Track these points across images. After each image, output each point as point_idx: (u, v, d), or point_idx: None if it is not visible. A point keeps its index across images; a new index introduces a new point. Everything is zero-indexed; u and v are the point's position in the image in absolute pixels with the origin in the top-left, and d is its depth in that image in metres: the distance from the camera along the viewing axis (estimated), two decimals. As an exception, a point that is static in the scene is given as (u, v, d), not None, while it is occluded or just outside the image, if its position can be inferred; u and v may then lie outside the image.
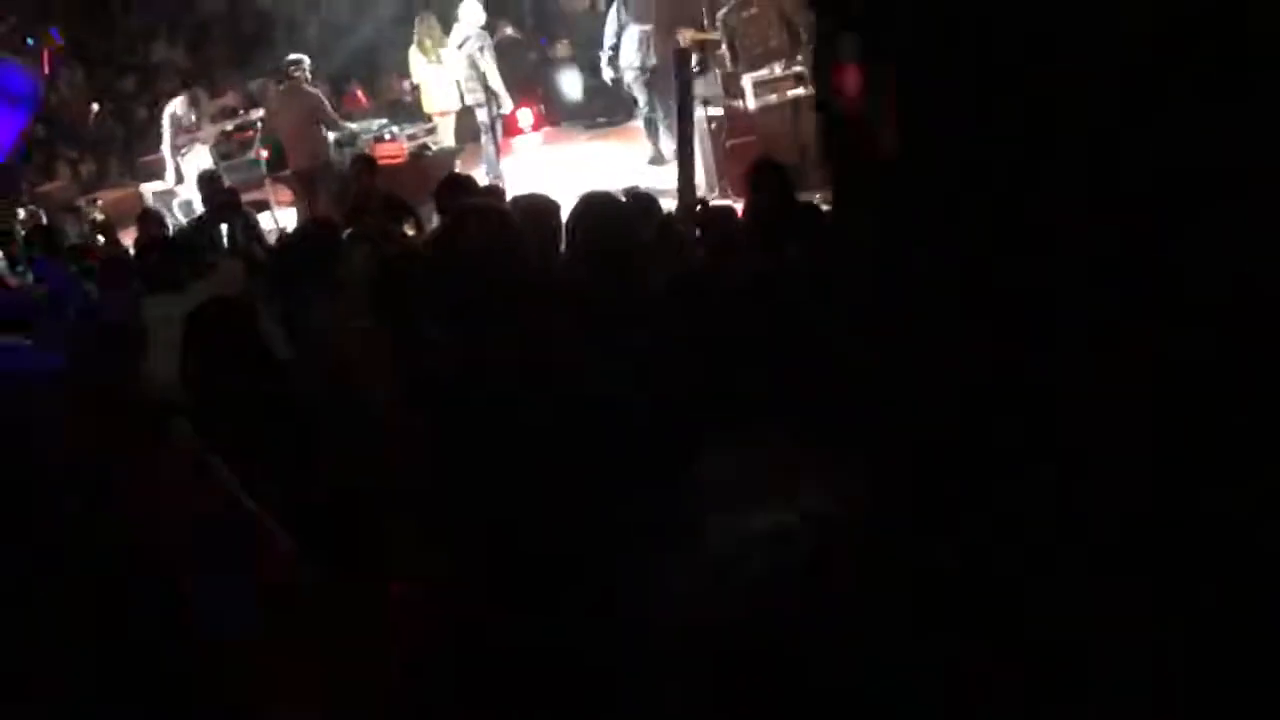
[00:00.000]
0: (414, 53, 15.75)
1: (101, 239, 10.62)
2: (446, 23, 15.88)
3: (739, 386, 3.38)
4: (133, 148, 17.43)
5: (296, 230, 7.71)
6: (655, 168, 13.99)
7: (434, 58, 15.34)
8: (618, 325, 3.89)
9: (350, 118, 16.45)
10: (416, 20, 16.36)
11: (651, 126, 14.58)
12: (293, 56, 14.48)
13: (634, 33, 14.14)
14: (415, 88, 16.23)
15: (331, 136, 13.76)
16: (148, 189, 15.21)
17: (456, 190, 6.26)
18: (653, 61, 14.15)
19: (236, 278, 5.60)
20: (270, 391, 3.64)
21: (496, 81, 14.48)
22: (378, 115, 16.76)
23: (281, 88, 14.20)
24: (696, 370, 3.75)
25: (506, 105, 14.90)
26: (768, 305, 3.07)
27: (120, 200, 14.51)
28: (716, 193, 12.14)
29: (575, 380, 2.84)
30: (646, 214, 5.64)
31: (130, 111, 18.27)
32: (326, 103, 13.89)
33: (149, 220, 10.31)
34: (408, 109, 17.19)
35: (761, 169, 6.58)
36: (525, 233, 2.95)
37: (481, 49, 14.46)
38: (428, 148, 14.08)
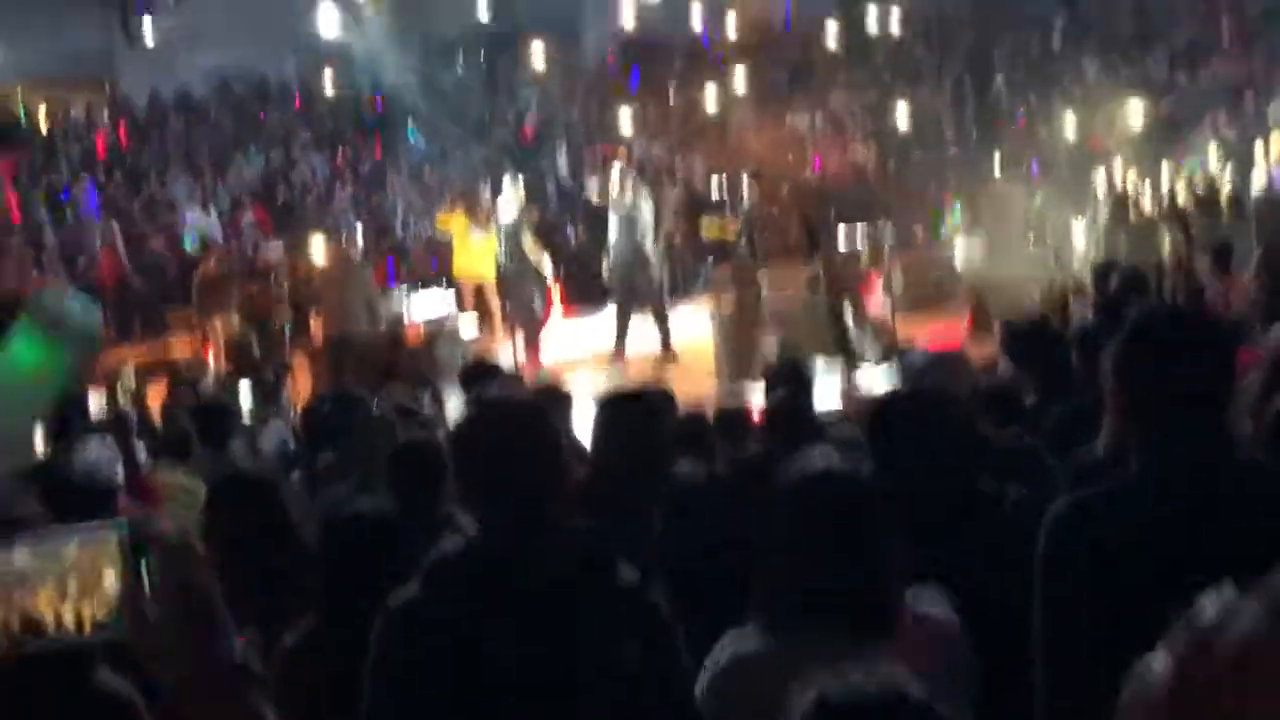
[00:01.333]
0: (458, 220, 16.44)
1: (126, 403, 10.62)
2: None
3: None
4: (160, 304, 17.81)
5: (325, 399, 7.87)
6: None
7: (487, 230, 16.07)
8: (644, 518, 4.02)
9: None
10: (465, 192, 17.16)
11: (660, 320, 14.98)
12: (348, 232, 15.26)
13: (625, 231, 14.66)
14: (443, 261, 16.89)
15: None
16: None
17: (481, 375, 6.46)
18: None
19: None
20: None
21: (540, 255, 15.12)
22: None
23: (331, 256, 14.65)
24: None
25: (549, 272, 15.68)
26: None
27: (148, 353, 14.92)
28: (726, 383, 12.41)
29: (609, 577, 2.95)
30: (667, 412, 5.81)
31: (161, 269, 18.64)
32: (374, 280, 14.37)
33: (179, 382, 10.35)
34: (429, 283, 17.66)
35: (779, 370, 6.80)
36: (558, 428, 3.07)
37: (524, 228, 15.26)
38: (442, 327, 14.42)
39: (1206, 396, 2.82)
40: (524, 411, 3.04)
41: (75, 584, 1.52)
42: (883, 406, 4.28)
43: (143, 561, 1.50)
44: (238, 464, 6.37)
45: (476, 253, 16.20)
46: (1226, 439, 2.87)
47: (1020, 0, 24.32)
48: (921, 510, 3.94)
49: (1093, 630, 2.73)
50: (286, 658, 3.77)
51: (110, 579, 1.52)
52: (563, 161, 22.86)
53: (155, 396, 10.80)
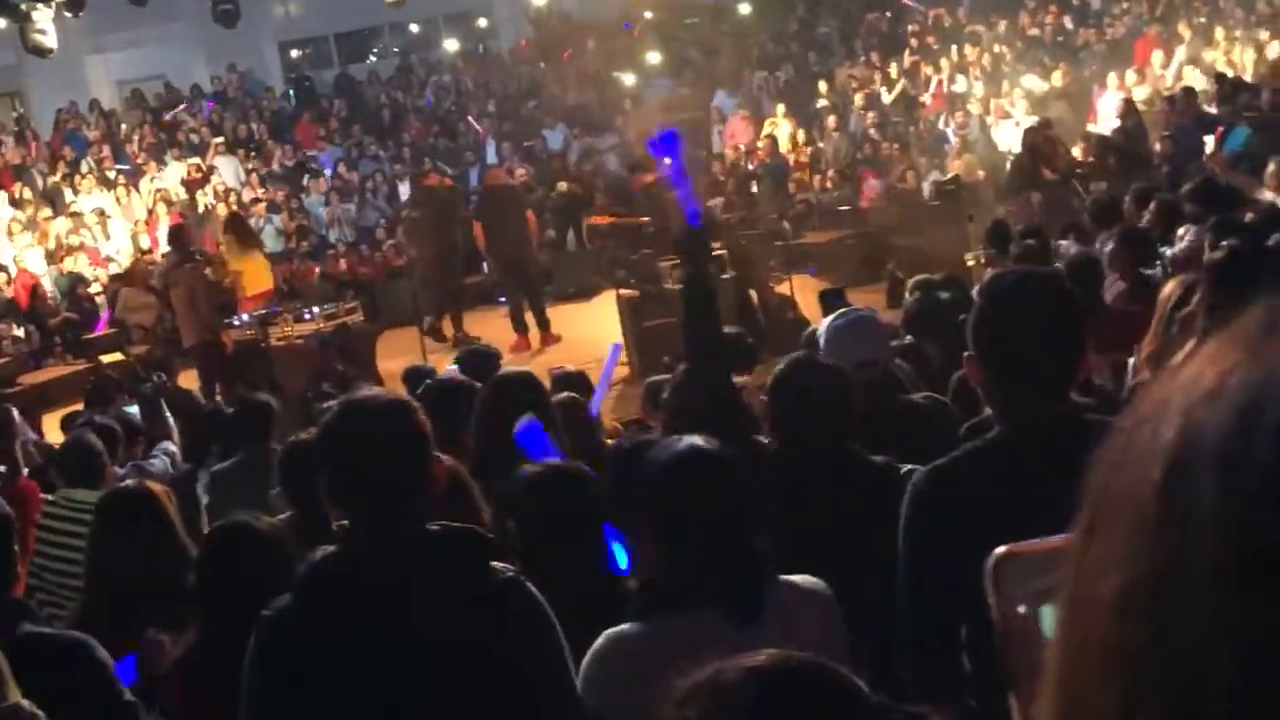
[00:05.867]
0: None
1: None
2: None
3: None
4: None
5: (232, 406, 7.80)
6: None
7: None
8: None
9: (298, 293, 16.89)
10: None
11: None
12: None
13: None
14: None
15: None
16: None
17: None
18: None
19: None
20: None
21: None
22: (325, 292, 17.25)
23: (173, 261, 14.47)
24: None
25: None
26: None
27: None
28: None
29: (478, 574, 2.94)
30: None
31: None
32: (205, 278, 14.21)
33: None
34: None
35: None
36: (423, 425, 3.02)
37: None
38: (347, 326, 14.31)
39: (1053, 355, 2.83)
40: (386, 411, 3.00)
41: None
42: (775, 377, 4.31)
43: None
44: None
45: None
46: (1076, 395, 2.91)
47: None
48: (805, 479, 3.98)
49: (945, 593, 2.76)
50: (171, 671, 3.75)
51: None
52: (491, 152, 22.76)
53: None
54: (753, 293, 12.86)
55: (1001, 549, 2.07)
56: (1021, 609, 1.98)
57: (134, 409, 9.12)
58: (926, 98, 20.97)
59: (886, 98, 21.24)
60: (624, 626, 3.04)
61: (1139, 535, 0.64)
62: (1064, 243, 8.99)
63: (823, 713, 1.44)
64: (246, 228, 16.48)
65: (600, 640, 3.04)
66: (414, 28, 28.12)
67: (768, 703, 1.40)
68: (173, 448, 7.70)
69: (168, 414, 8.43)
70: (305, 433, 5.06)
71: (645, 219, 14.74)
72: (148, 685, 3.48)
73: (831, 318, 5.12)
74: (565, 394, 5.86)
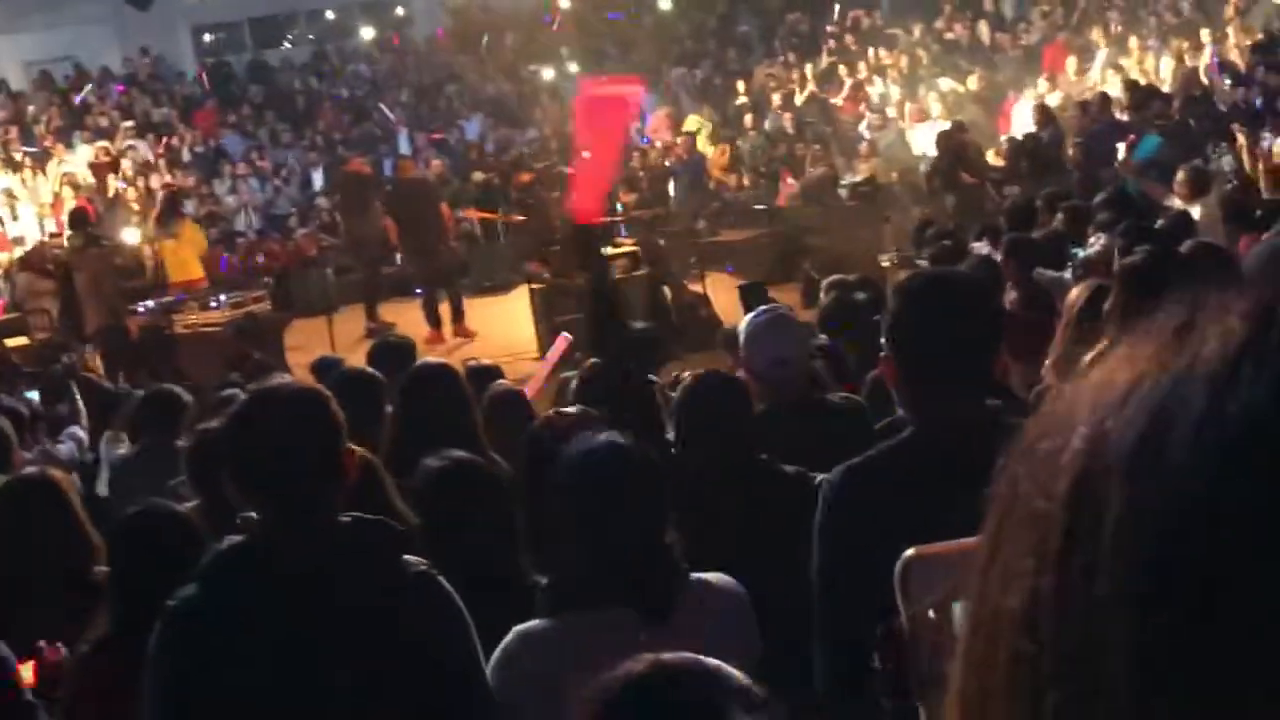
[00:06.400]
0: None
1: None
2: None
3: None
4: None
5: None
6: None
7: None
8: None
9: (219, 281, 16.66)
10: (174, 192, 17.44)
11: None
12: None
13: None
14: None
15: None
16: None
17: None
18: None
19: None
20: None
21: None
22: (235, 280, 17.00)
23: (78, 245, 14.10)
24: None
25: None
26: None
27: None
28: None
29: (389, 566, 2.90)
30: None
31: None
32: (112, 263, 13.95)
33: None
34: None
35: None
36: (336, 415, 2.97)
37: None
38: (254, 316, 14.12)
39: (966, 356, 2.84)
40: (298, 399, 2.96)
41: None
42: (681, 396, 4.32)
43: None
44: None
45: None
46: (989, 397, 2.92)
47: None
48: (717, 490, 3.98)
49: (859, 592, 2.75)
50: (77, 667, 3.67)
51: None
52: (404, 143, 22.55)
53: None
54: (666, 290, 12.86)
55: (910, 552, 2.07)
56: (931, 614, 1.97)
57: (32, 394, 8.94)
58: (839, 99, 21.03)
59: (799, 98, 21.30)
60: (534, 623, 3.02)
61: (1045, 549, 0.62)
62: (977, 245, 9.10)
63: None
64: (167, 211, 16.21)
65: (510, 637, 3.01)
66: (330, 15, 27.84)
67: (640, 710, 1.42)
68: (81, 433, 7.57)
69: (77, 396, 8.28)
70: (215, 421, 4.97)
71: (521, 217, 14.78)
72: (48, 697, 3.39)
73: (752, 314, 5.11)
74: (503, 385, 5.86)
